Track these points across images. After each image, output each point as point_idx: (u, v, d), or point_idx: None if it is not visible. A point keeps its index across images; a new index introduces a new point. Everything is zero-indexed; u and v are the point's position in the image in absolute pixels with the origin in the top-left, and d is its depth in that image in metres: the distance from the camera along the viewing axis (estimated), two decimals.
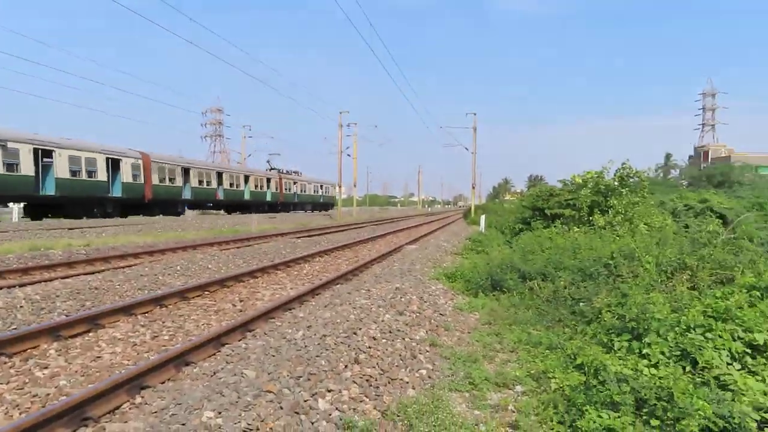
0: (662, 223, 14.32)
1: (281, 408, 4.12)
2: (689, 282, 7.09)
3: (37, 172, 26.93)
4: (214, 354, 5.99)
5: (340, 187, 50.44)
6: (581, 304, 7.18)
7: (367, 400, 4.61)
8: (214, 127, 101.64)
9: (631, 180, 15.59)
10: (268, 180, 53.41)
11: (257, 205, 50.11)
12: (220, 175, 44.96)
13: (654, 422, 3.65)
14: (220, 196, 44.84)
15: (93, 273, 11.18)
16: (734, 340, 4.60)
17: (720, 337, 4.63)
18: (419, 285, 9.78)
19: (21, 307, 7.69)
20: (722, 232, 10.65)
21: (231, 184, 46.51)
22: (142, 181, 34.99)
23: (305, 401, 4.29)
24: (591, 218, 14.97)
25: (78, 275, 10.92)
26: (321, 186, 68.12)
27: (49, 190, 27.81)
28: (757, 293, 5.76)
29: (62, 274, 11.13)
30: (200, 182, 42.08)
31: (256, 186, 50.45)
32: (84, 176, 29.74)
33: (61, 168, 28.16)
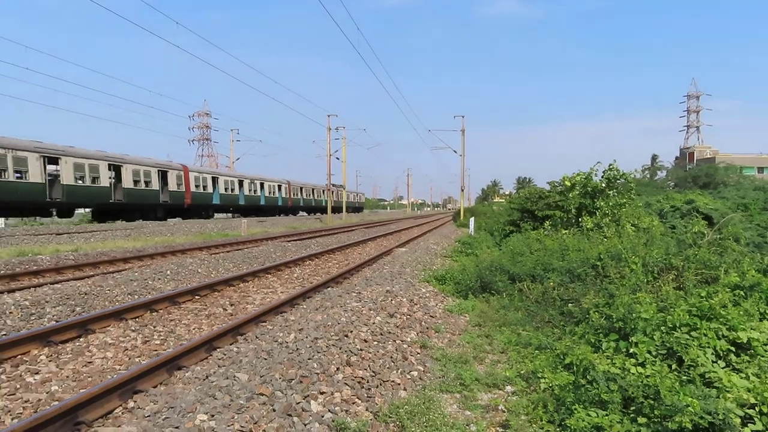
0: (649, 224, 14.50)
1: (274, 410, 4.15)
2: (675, 282, 7.20)
3: (110, 183, 33.30)
4: (206, 358, 6.00)
5: (329, 190, 50.47)
6: (570, 304, 7.26)
7: (359, 401, 4.65)
8: (202, 131, 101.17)
9: (618, 181, 15.75)
10: (279, 186, 58.56)
11: (271, 209, 55.68)
12: (241, 182, 50.09)
13: (641, 420, 3.72)
14: (241, 201, 50.12)
15: (82, 278, 11.12)
16: (719, 339, 4.69)
17: (705, 335, 4.71)
18: (409, 287, 9.83)
19: (10, 312, 7.65)
20: (708, 232, 10.81)
21: (250, 190, 51.68)
22: (183, 189, 40.84)
23: (298, 403, 4.32)
24: (579, 220, 15.12)
25: (67, 280, 10.86)
26: (323, 191, 72.80)
27: (119, 197, 34.06)
28: (741, 292, 5.89)
29: (51, 280, 11.06)
30: (226, 189, 47.38)
31: (270, 192, 55.66)
32: (142, 186, 35.88)
33: (126, 179, 34.29)
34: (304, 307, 8.69)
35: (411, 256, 16.02)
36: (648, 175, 70.06)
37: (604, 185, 15.50)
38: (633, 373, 4.34)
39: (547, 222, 16.07)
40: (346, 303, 8.04)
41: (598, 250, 9.23)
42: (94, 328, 7.16)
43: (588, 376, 4.29)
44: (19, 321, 7.44)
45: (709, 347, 4.59)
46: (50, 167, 29.29)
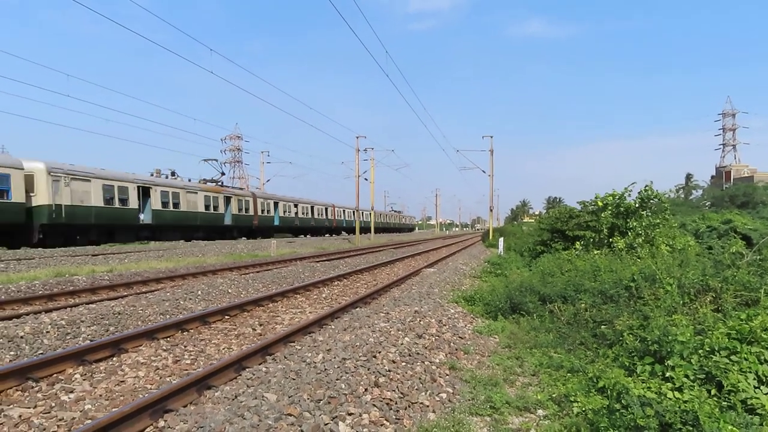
0: (684, 245, 14.13)
1: (302, 431, 4.14)
2: (713, 304, 6.97)
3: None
4: (235, 378, 6.03)
5: (357, 211, 50.76)
6: (602, 326, 7.09)
7: (388, 423, 4.60)
8: (233, 153, 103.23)
9: (651, 201, 15.43)
10: (326, 209, 65.44)
11: (319, 230, 62.08)
12: (296, 205, 56.82)
13: None
14: (297, 223, 57.13)
15: (116, 298, 11.36)
16: (761, 363, 4.51)
17: (746, 359, 4.54)
18: (438, 308, 9.75)
19: (47, 332, 7.84)
20: (747, 253, 10.47)
21: (303, 213, 58.64)
22: (252, 213, 47.67)
23: (326, 424, 4.30)
24: (611, 240, 14.83)
25: (102, 300, 11.10)
26: (354, 212, 79.15)
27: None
28: None
29: (86, 300, 11.32)
30: (285, 212, 54.33)
31: (317, 214, 62.19)
32: (211, 210, 42.29)
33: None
34: (333, 327, 8.68)
35: (439, 276, 15.92)
36: (682, 195, 68.49)
37: (637, 205, 15.20)
38: (670, 398, 4.20)
39: (578, 242, 15.80)
40: (374, 323, 8.01)
41: (632, 270, 9.02)
42: (127, 347, 7.28)
43: (622, 401, 4.17)
44: (55, 340, 7.63)
45: (750, 372, 4.41)
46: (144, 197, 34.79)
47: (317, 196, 74.65)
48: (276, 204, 52.53)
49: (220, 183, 46.79)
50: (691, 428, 3.64)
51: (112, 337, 7.50)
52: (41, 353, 7.01)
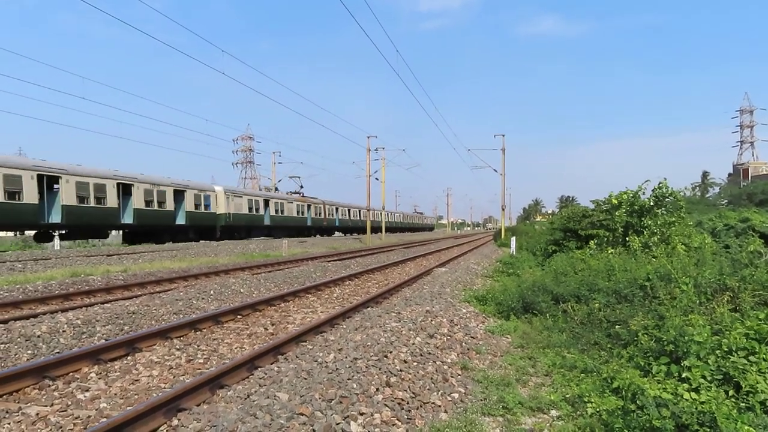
0: (701, 243, 13.93)
1: (314, 430, 4.13)
2: (730, 304, 6.86)
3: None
4: (248, 377, 6.05)
5: (368, 210, 50.82)
6: (617, 326, 7.01)
7: (399, 423, 4.59)
8: (245, 154, 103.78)
9: (666, 199, 15.22)
10: (350, 210, 72.10)
11: (346, 229, 69.62)
12: (337, 209, 66.22)
13: None
14: (350, 223, 68.73)
15: (130, 298, 11.46)
16: None
17: (765, 360, 4.47)
18: (450, 308, 9.71)
19: (63, 331, 7.93)
20: (765, 252, 10.30)
21: (343, 215, 68.47)
22: (323, 216, 59.39)
23: (337, 424, 4.29)
24: (626, 239, 14.66)
25: (116, 300, 11.21)
26: (381, 213, 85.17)
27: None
28: None
29: (101, 300, 11.44)
30: (342, 215, 66.53)
31: (343, 214, 69.47)
32: (300, 215, 54.46)
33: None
34: (344, 327, 8.69)
35: (451, 275, 15.87)
36: (698, 193, 67.67)
37: (652, 203, 15.01)
38: (686, 399, 4.14)
39: (592, 241, 15.64)
40: (386, 323, 8.00)
41: (646, 270, 8.91)
42: (141, 346, 7.34)
43: (637, 402, 4.11)
44: (71, 339, 7.71)
45: None
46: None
47: (328, 197, 77.89)
48: (337, 209, 66.59)
49: (301, 194, 59.01)
50: (708, 429, 3.59)
51: (126, 336, 7.57)
52: (57, 352, 7.09)
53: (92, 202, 29.64)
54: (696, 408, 3.86)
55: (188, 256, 24.02)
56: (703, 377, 4.47)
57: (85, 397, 5.48)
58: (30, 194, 26.06)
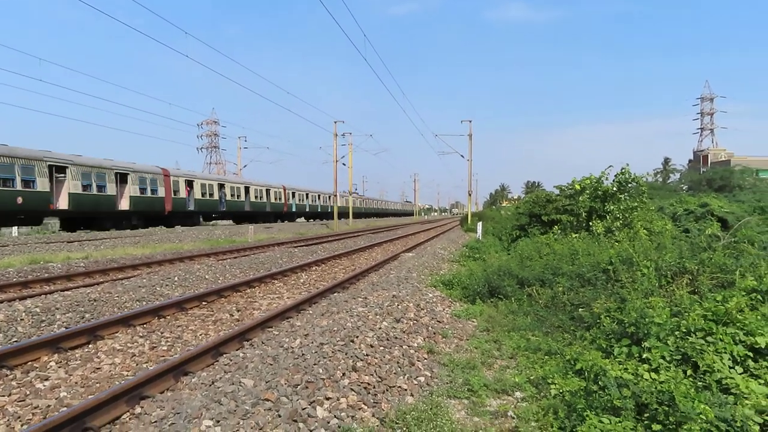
0: (662, 228, 14.31)
1: (279, 416, 4.10)
2: (689, 286, 7.07)
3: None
4: (212, 364, 5.96)
5: (335, 195, 50.58)
6: (580, 309, 7.15)
7: (366, 407, 4.58)
8: (210, 139, 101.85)
9: (629, 185, 15.57)
10: (327, 196, 74.74)
11: (322, 215, 72.56)
12: (307, 194, 69.33)
13: (656, 427, 3.62)
14: (307, 208, 69.58)
15: (92, 285, 11.14)
16: (735, 344, 4.57)
17: (721, 340, 4.59)
18: (416, 292, 9.76)
19: (21, 320, 7.66)
20: (723, 236, 10.65)
21: (311, 199, 70.84)
22: (283, 201, 60.28)
23: (303, 409, 4.26)
24: (589, 224, 14.96)
25: (77, 287, 10.87)
26: (371, 200, 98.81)
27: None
28: (758, 296, 5.74)
29: (61, 287, 11.08)
30: (300, 199, 66.71)
31: (316, 200, 72.84)
32: (259, 200, 54.34)
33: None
34: (310, 312, 8.63)
35: (418, 260, 15.94)
36: (660, 179, 69.46)
37: (615, 189, 15.33)
38: (646, 379, 4.24)
39: (556, 226, 15.92)
40: (352, 308, 7.98)
41: (609, 254, 9.10)
42: (103, 334, 7.15)
43: (600, 382, 4.20)
44: (30, 328, 7.45)
45: (725, 352, 4.47)
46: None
47: (296, 183, 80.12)
48: (308, 195, 69.77)
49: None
50: (666, 408, 3.68)
51: (87, 324, 7.36)
52: (15, 341, 6.85)
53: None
54: (655, 387, 3.96)
55: (152, 242, 23.50)
56: (663, 358, 4.59)
57: (44, 386, 5.31)
58: None
